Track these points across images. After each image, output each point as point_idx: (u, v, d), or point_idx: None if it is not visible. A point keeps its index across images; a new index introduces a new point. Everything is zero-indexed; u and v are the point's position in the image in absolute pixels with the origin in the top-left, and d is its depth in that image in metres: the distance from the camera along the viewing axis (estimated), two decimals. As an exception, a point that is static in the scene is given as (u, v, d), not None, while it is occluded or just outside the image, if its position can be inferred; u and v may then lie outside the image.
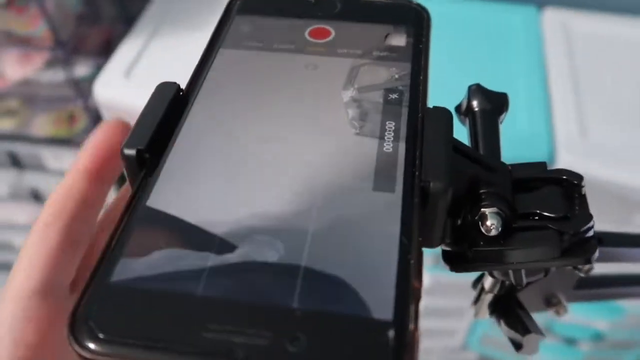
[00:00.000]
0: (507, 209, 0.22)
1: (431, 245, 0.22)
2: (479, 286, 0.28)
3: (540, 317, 0.83)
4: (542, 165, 0.24)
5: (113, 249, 0.18)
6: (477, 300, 0.29)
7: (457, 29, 0.72)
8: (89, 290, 0.17)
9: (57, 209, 0.25)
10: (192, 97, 0.24)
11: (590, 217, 0.22)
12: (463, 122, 0.27)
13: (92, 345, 0.16)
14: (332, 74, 0.25)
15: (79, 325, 0.17)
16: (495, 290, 0.28)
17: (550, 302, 0.30)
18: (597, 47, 0.70)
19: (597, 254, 0.22)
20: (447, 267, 0.24)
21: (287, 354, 0.16)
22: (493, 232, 0.22)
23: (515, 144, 0.58)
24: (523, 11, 0.76)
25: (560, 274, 0.28)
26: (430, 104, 0.24)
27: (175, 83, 0.24)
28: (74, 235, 0.25)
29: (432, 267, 0.75)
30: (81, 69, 0.73)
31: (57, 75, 0.71)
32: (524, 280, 0.24)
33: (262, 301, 0.17)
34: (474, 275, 0.30)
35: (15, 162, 0.87)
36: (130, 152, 0.21)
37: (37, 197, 0.91)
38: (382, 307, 0.17)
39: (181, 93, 0.24)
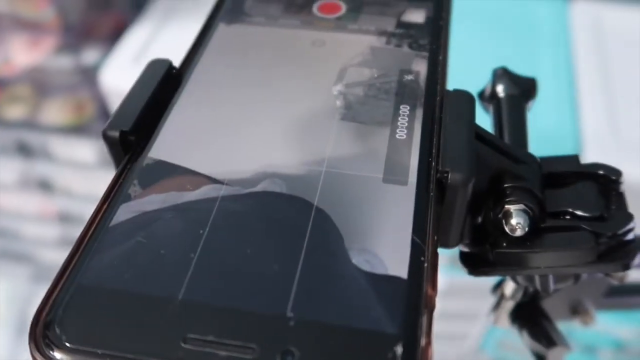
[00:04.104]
0: (535, 206, 0.19)
1: (447, 245, 0.20)
2: (499, 292, 0.26)
3: (558, 324, 0.80)
4: (574, 158, 0.22)
5: (87, 244, 0.16)
6: (496, 307, 0.26)
7: (482, 20, 0.69)
8: (56, 291, 0.15)
9: None
10: (186, 76, 0.22)
11: (630, 218, 0.19)
12: (487, 109, 0.24)
13: (57, 355, 0.14)
14: (341, 51, 0.23)
15: (43, 331, 0.14)
16: (517, 297, 0.25)
17: (577, 311, 0.28)
18: (628, 41, 0.67)
19: (637, 259, 0.19)
20: (464, 270, 0.21)
21: None
22: (518, 232, 0.19)
23: (540, 140, 0.55)
24: (551, 2, 0.72)
25: (591, 281, 0.26)
26: None
27: (167, 60, 0.22)
28: None
29: (449, 268, 0.72)
30: (91, 56, 0.71)
31: (67, 61, 0.70)
32: (551, 287, 0.21)
33: (250, 308, 0.15)
34: (493, 278, 0.28)
35: (24, 150, 0.85)
36: (113, 134, 0.19)
37: (45, 186, 0.90)
38: (389, 318, 0.14)
39: (174, 71, 0.22)
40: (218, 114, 0.20)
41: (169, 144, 0.19)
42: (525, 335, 0.25)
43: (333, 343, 0.14)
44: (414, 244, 0.16)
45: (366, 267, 0.16)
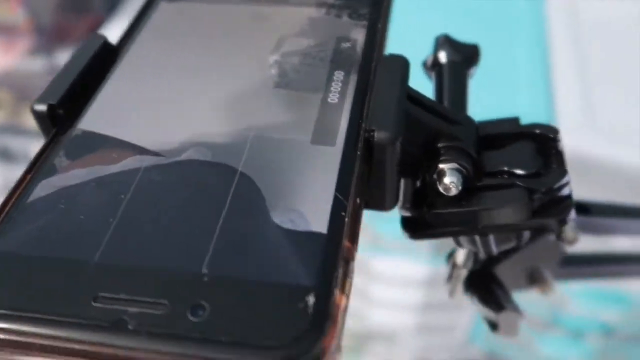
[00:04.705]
0: (468, 165, 0.19)
1: (384, 207, 0.20)
2: (452, 262, 0.26)
3: (544, 309, 0.81)
4: (514, 120, 0.22)
5: (7, 213, 0.16)
6: (450, 277, 0.26)
7: (457, 5, 0.69)
8: None
9: None
10: (122, 51, 0.22)
11: (564, 173, 0.19)
12: (430, 77, 0.24)
13: None
14: (280, 24, 0.23)
15: None
16: (469, 265, 0.25)
17: (534, 279, 0.27)
18: (603, 24, 0.67)
19: (573, 214, 0.19)
20: (405, 235, 0.21)
21: (185, 323, 0.13)
22: (453, 191, 0.19)
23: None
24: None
25: (543, 247, 0.26)
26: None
27: (102, 35, 0.22)
28: None
29: (432, 258, 0.72)
30: (66, 58, 0.71)
31: (42, 64, 0.70)
32: (494, 249, 0.21)
33: (165, 268, 0.15)
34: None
35: (6, 155, 0.85)
36: (41, 107, 0.19)
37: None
38: (304, 270, 0.14)
39: (111, 46, 0.22)
40: (151, 87, 0.20)
41: (98, 116, 0.19)
42: (476, 302, 0.25)
43: (245, 296, 0.14)
44: (336, 200, 0.16)
45: (288, 225, 0.16)
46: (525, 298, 0.78)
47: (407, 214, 0.21)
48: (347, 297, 0.15)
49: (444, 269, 0.78)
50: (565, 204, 0.19)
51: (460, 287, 0.26)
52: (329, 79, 0.20)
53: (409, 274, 0.74)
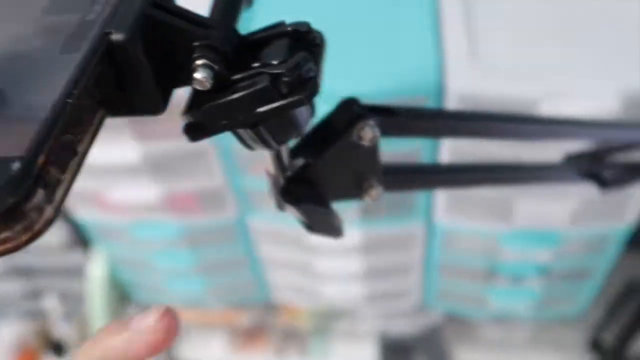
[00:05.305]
0: (219, 60, 0.21)
1: (151, 111, 0.21)
2: (269, 175, 0.27)
3: (480, 260, 0.82)
4: (280, 24, 0.24)
5: None
6: (271, 191, 0.27)
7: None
8: None
9: None
10: None
11: (305, 55, 0.21)
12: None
13: None
14: None
15: None
16: (281, 172, 0.27)
17: (362, 188, 0.29)
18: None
19: (317, 90, 0.21)
20: (187, 139, 0.23)
21: None
22: (206, 86, 0.21)
23: (403, 71, 0.57)
24: None
25: (354, 152, 0.27)
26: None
27: None
28: None
29: (362, 223, 0.73)
30: None
31: None
32: (271, 141, 0.23)
33: None
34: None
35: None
36: None
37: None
38: (20, 145, 0.16)
39: None
40: None
41: None
42: (287, 207, 0.26)
43: None
44: (64, 90, 0.18)
45: (22, 117, 0.18)
46: (461, 252, 0.79)
47: (187, 120, 0.22)
48: (63, 168, 0.17)
49: (376, 230, 0.79)
50: (311, 83, 0.21)
51: (280, 198, 0.27)
52: (93, 3, 0.22)
53: (345, 242, 0.76)
